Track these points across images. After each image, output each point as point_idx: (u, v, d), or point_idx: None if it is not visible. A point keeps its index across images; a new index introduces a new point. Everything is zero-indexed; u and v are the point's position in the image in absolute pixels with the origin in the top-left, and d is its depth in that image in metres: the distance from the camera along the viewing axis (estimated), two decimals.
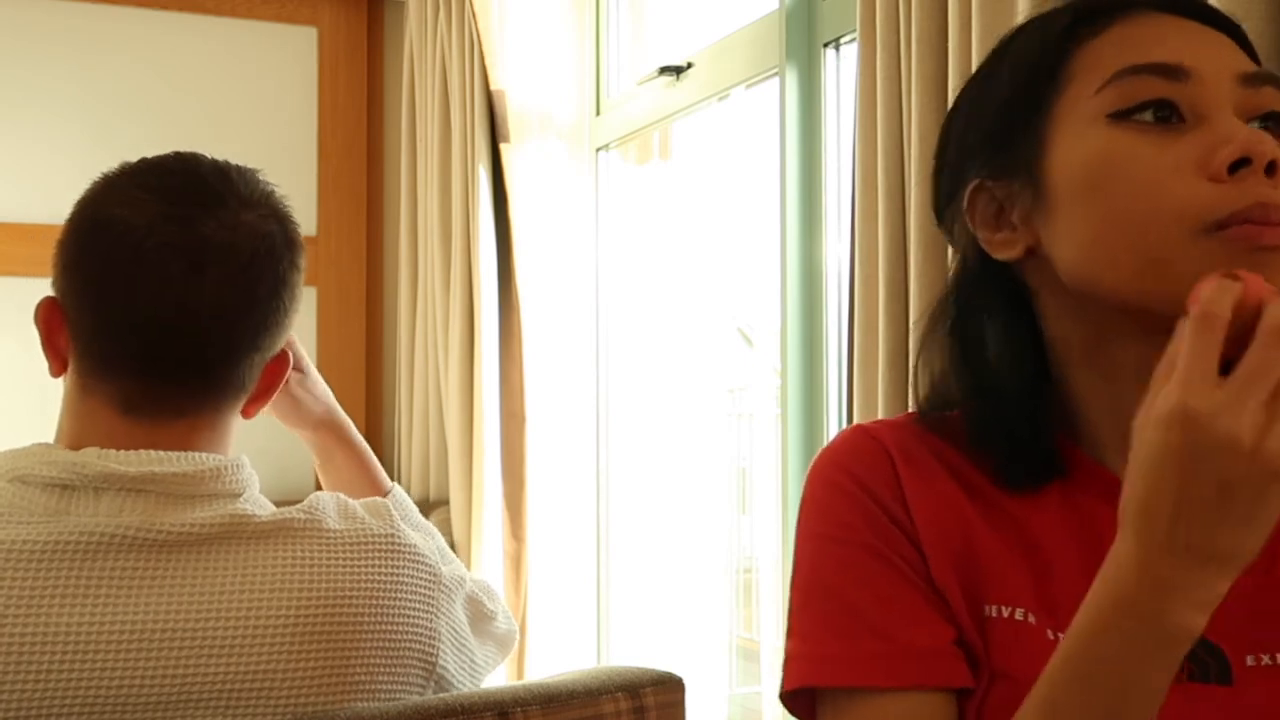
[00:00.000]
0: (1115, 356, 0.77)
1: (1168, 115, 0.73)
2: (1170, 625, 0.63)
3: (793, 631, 0.79)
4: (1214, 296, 0.62)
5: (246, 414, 1.06)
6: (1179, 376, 0.61)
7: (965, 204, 0.81)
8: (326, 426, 1.26)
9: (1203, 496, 0.61)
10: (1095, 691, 0.65)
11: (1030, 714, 0.67)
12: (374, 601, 0.98)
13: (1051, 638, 0.73)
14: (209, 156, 1.04)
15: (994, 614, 0.75)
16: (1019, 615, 0.74)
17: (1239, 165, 0.70)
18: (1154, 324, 0.71)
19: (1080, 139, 0.75)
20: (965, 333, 0.83)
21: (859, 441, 0.82)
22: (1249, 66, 0.76)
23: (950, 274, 0.86)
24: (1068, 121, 0.76)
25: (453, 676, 1.05)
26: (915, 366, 0.89)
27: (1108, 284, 0.73)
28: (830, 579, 0.78)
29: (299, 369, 1.21)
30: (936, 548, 0.77)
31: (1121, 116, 0.73)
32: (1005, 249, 0.80)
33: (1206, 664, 0.72)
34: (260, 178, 1.05)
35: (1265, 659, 0.72)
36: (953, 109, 0.87)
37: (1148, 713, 0.64)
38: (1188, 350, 0.61)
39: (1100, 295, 0.74)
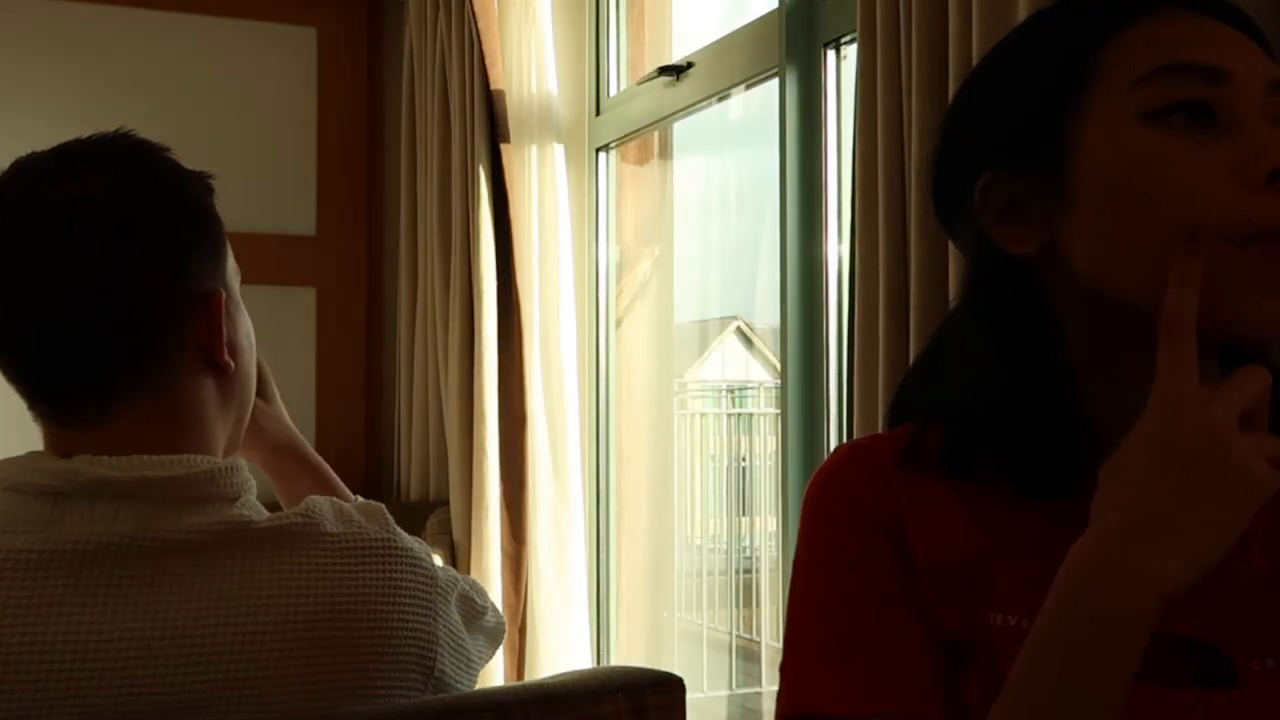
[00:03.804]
0: (1124, 361, 0.76)
1: (1201, 117, 0.72)
2: (1113, 603, 0.63)
3: (788, 654, 0.79)
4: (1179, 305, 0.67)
5: (223, 365, 1.01)
6: (1165, 365, 0.66)
7: (977, 196, 0.79)
8: (284, 450, 1.22)
9: (1164, 473, 0.64)
10: (1050, 675, 0.65)
11: (1002, 700, 0.67)
12: (372, 607, 0.97)
13: None
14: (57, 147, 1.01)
15: (999, 622, 0.74)
16: (1025, 624, 0.73)
17: (1277, 175, 0.69)
18: None
19: (1112, 137, 0.73)
20: (982, 336, 0.80)
21: (855, 458, 0.82)
22: (1277, 73, 0.75)
23: (961, 277, 0.84)
24: (1098, 117, 0.74)
25: (450, 678, 1.04)
26: (921, 370, 0.88)
27: (1131, 287, 0.72)
28: (823, 603, 0.78)
29: (264, 395, 1.17)
30: (934, 561, 0.76)
31: (1157, 116, 0.72)
32: (1019, 244, 0.78)
33: (1210, 667, 0.71)
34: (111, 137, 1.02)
35: (1271, 663, 0.71)
36: (961, 98, 0.84)
37: (1106, 700, 0.64)
38: (1169, 348, 0.66)
39: (1120, 298, 0.73)
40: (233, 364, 1.03)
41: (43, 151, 1.01)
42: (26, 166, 1.00)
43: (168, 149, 1.04)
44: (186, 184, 1.02)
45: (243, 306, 1.08)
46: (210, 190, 1.05)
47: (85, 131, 1.04)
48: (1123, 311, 0.74)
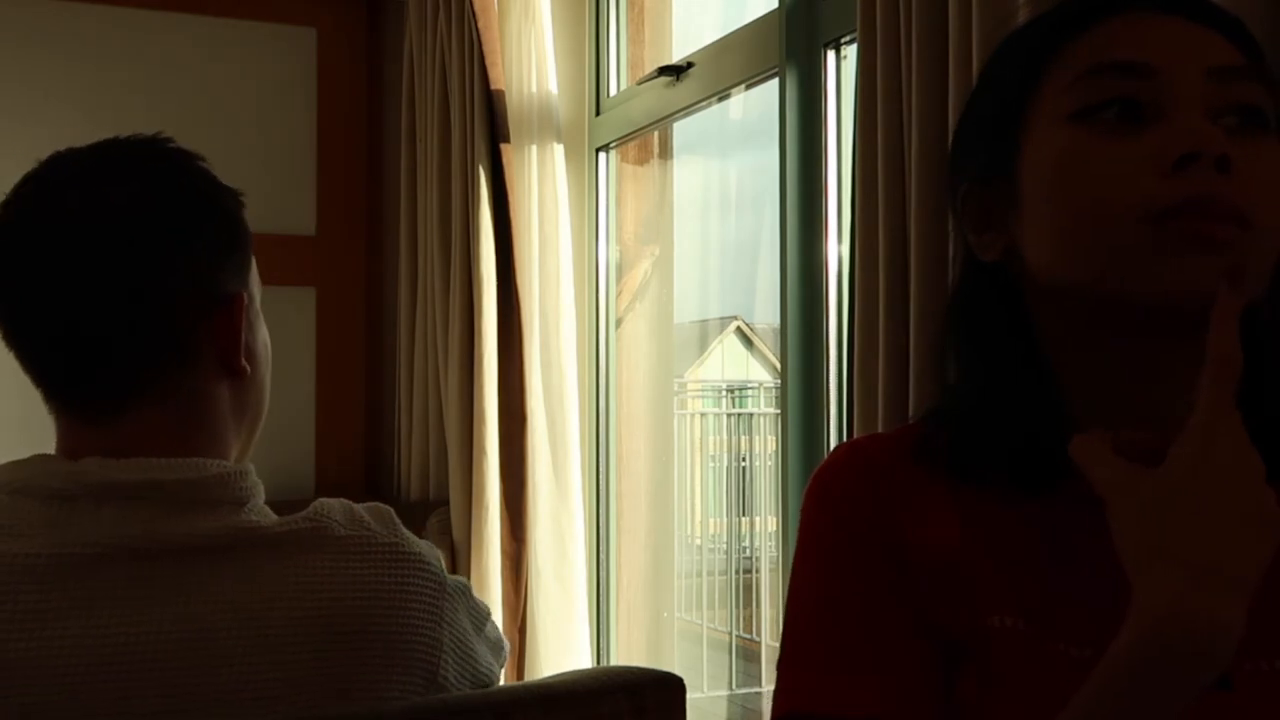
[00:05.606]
0: (1092, 350, 0.78)
1: (1128, 113, 0.74)
2: (1198, 664, 0.62)
3: (782, 655, 0.80)
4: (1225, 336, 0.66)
5: (239, 370, 1.02)
6: (1204, 405, 0.65)
7: (957, 206, 0.83)
8: None
9: (1228, 525, 0.63)
10: None
11: None
12: (378, 610, 0.97)
13: (1053, 646, 0.73)
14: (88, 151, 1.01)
15: (995, 623, 0.74)
16: (1021, 625, 0.74)
17: (1188, 160, 0.71)
18: (1127, 317, 0.74)
19: (1046, 139, 0.76)
20: (964, 338, 0.84)
21: (850, 460, 0.83)
22: (1225, 60, 0.75)
23: (951, 280, 0.88)
24: (1038, 123, 0.77)
25: (453, 686, 1.04)
26: (922, 370, 0.89)
27: (1078, 279, 0.75)
28: (816, 605, 0.79)
29: None
30: (931, 562, 0.77)
31: (1083, 115, 0.75)
32: (987, 251, 0.82)
33: None
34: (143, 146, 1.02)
35: (1265, 664, 0.71)
36: (959, 118, 0.89)
37: None
38: (1210, 390, 0.65)
39: (1073, 291, 0.76)
40: (248, 369, 1.03)
41: (79, 149, 1.02)
42: (63, 164, 1.01)
43: (202, 158, 1.05)
44: (219, 192, 1.04)
45: (262, 317, 1.09)
46: (240, 204, 1.06)
47: (85, 131, 1.04)
48: (1076, 301, 0.76)
